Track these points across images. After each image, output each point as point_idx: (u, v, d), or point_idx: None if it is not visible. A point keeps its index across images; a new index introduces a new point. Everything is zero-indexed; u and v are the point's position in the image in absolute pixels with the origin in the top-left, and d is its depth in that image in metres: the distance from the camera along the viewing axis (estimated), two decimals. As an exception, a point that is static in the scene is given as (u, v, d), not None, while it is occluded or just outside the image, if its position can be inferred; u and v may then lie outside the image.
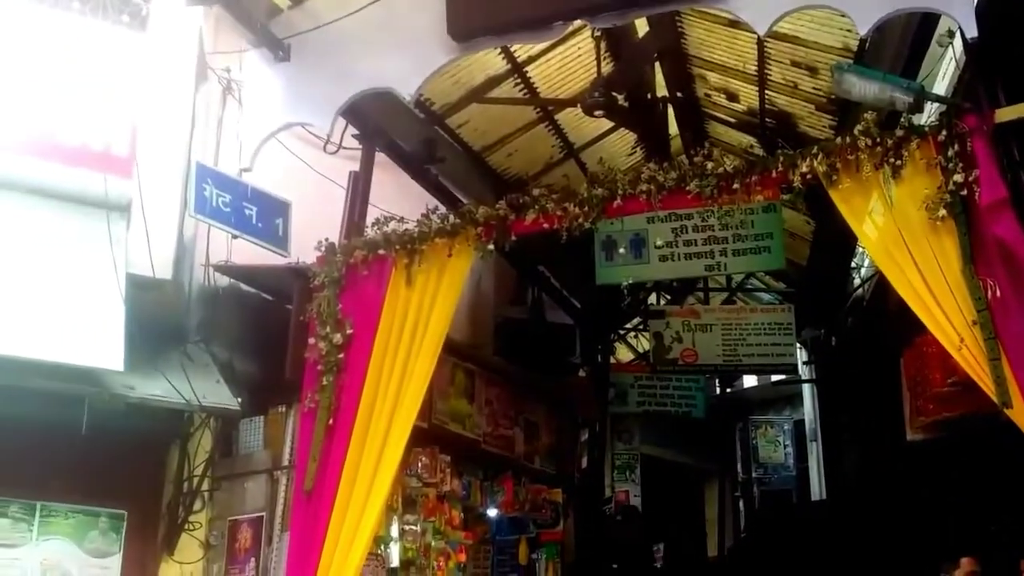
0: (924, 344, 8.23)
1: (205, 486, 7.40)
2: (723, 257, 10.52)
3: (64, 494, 7.00)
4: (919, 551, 7.42)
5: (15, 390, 6.28)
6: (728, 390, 17.16)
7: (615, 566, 12.77)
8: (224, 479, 7.55)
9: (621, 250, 10.60)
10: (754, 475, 17.05)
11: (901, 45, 7.26)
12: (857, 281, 12.38)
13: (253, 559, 7.25)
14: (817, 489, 15.52)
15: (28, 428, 6.61)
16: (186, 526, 7.31)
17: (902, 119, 5.93)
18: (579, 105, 8.90)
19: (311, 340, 7.02)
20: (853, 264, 12.26)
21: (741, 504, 16.91)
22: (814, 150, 6.03)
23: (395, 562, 8.12)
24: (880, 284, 9.86)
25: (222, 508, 7.50)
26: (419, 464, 8.56)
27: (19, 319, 6.20)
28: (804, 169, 6.01)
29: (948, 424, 8.40)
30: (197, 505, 7.35)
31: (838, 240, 10.45)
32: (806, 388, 16.07)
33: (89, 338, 6.31)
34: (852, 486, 12.65)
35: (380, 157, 8.34)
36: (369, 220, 7.47)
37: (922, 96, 5.91)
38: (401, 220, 7.10)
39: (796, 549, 11.65)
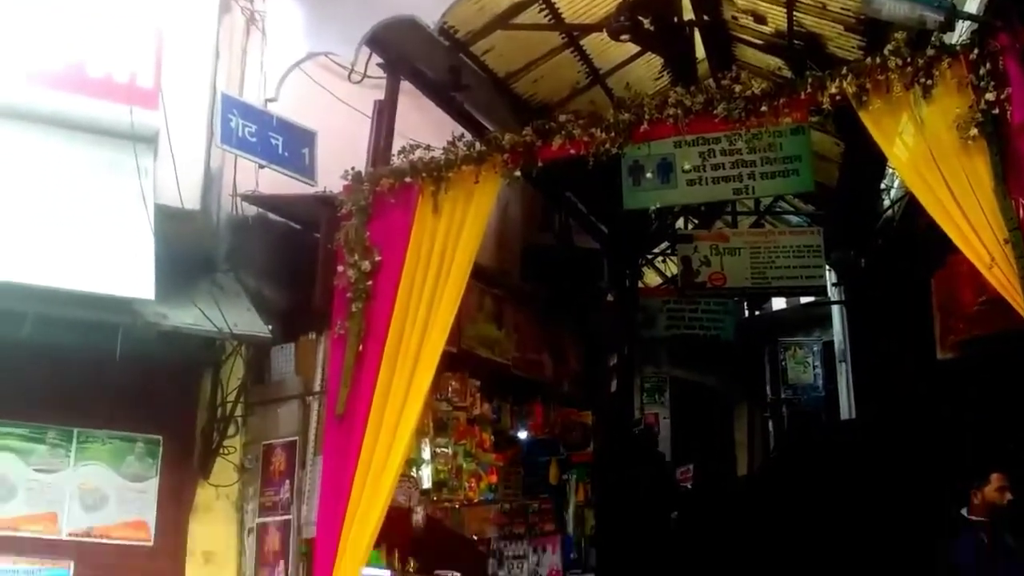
0: (954, 264, 8.14)
1: (238, 412, 7.45)
2: (751, 180, 10.38)
3: (100, 421, 7.10)
4: (947, 469, 7.40)
5: (50, 320, 6.35)
6: (757, 313, 17.09)
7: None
8: (257, 405, 7.61)
9: (648, 175, 10.47)
10: (783, 396, 17.04)
11: (932, -38, 7.08)
12: (887, 202, 12.23)
13: (287, 482, 7.32)
14: (846, 409, 15.50)
15: (63, 357, 6.68)
16: (220, 451, 7.38)
17: (933, 38, 5.77)
18: (604, 30, 8.77)
19: (340, 268, 7.03)
20: (883, 185, 12.10)
21: (770, 425, 16.92)
22: (843, 71, 5.90)
23: (427, 484, 8.20)
24: (910, 205, 9.75)
25: (255, 433, 7.57)
26: (449, 388, 8.62)
27: (51, 250, 6.24)
28: (833, 91, 5.89)
29: (978, 343, 8.33)
30: (231, 430, 7.42)
31: (868, 162, 10.32)
32: (835, 310, 15.98)
33: (120, 268, 6.35)
34: (881, 406, 12.62)
35: (405, 85, 8.27)
36: (395, 149, 7.42)
37: (953, 14, 5.75)
38: (427, 148, 7.04)
39: (825, 468, 11.63)
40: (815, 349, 17.10)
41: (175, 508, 7.27)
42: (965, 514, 6.60)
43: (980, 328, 8.21)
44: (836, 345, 16.11)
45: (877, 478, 10.51)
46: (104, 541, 7.01)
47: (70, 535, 6.94)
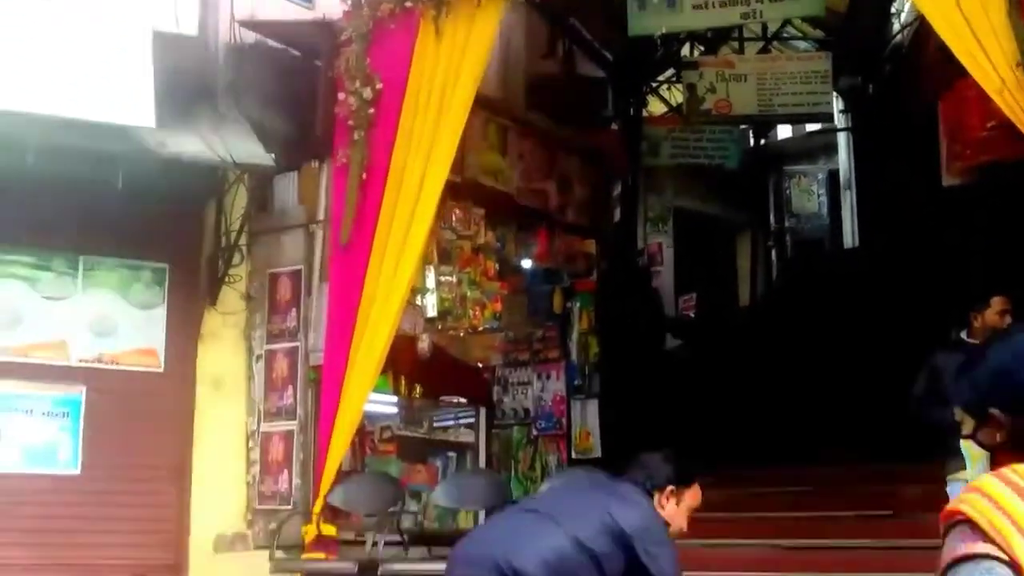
0: (963, 88, 8.04)
1: (243, 241, 7.52)
2: (759, 4, 10.16)
3: (106, 249, 7.18)
4: (951, 296, 7.44)
5: (52, 148, 6.34)
6: (762, 142, 16.95)
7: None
8: (261, 234, 7.67)
9: (654, -1, 10.24)
10: (787, 225, 17.04)
11: None
12: (897, 27, 12.01)
13: (294, 310, 7.44)
14: (850, 238, 15.54)
15: (66, 186, 6.70)
16: (227, 279, 7.48)
17: None
18: None
19: (341, 96, 6.97)
20: (893, 9, 11.86)
21: (773, 254, 16.98)
22: None
23: (432, 312, 8.29)
24: (920, 30, 9.57)
25: (261, 262, 7.65)
26: (453, 217, 8.61)
27: (50, 77, 6.19)
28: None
29: (985, 169, 8.31)
30: (236, 259, 7.50)
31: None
32: (841, 138, 15.84)
33: (119, 95, 6.31)
34: (885, 233, 12.65)
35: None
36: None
37: None
38: (427, -30, 6.88)
39: (828, 296, 11.73)
40: (820, 178, 17.02)
41: (184, 335, 7.41)
42: (964, 337, 6.65)
43: (987, 153, 8.18)
44: (841, 173, 16.05)
45: (881, 306, 10.60)
46: (114, 367, 7.17)
47: (80, 361, 7.10)
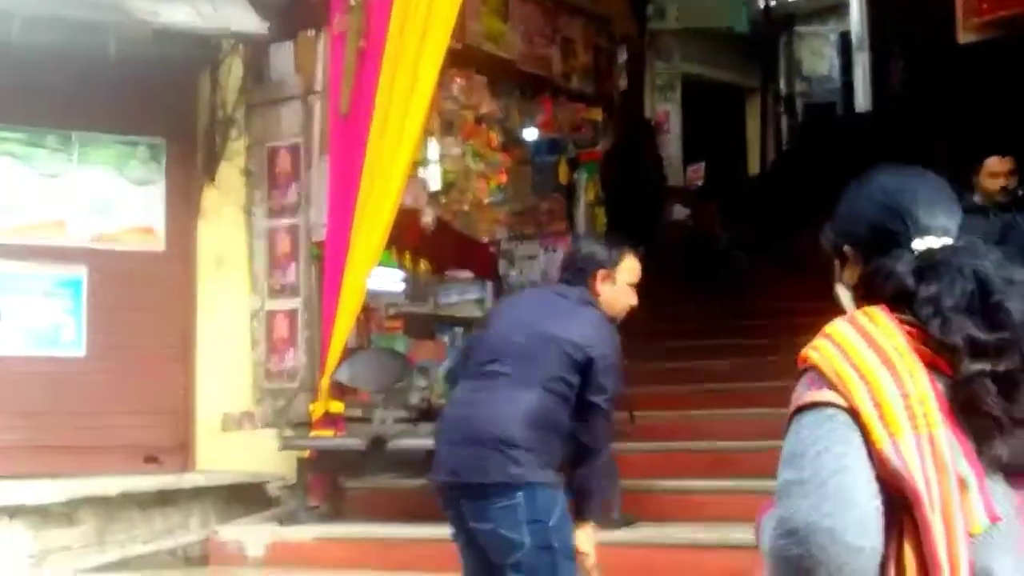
0: (981, -62, 7.83)
1: (239, 113, 7.40)
2: None
3: (100, 124, 7.07)
4: (964, 158, 7.35)
5: (40, 18, 6.20)
6: (772, 2, 16.63)
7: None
8: (258, 106, 7.53)
9: None
10: (797, 89, 16.82)
11: None
12: None
13: (294, 185, 7.36)
14: (862, 101, 15.35)
15: (56, 58, 6.57)
16: (224, 154, 7.38)
17: None
18: None
19: (335, -41, 6.80)
20: None
21: (784, 120, 16.81)
22: None
23: (436, 185, 8.22)
24: None
25: (258, 135, 7.53)
26: (454, 86, 8.48)
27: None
28: None
29: (1002, 24, 8.13)
30: (233, 133, 7.39)
31: None
32: (854, -4, 15.53)
33: (107, -37, 6.15)
34: (898, 95, 12.48)
35: None
36: None
37: None
38: None
39: (840, 161, 11.63)
40: (831, 39, 16.73)
41: (183, 213, 7.36)
42: (977, 200, 6.57)
43: (1005, 7, 8.00)
44: (854, 34, 15.75)
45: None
46: (115, 247, 7.15)
47: (80, 241, 7.06)
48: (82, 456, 6.83)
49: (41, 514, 6.20)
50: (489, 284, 9.07)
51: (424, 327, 8.70)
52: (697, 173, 14.60)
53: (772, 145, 16.39)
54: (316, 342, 7.22)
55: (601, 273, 4.15)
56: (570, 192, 10.25)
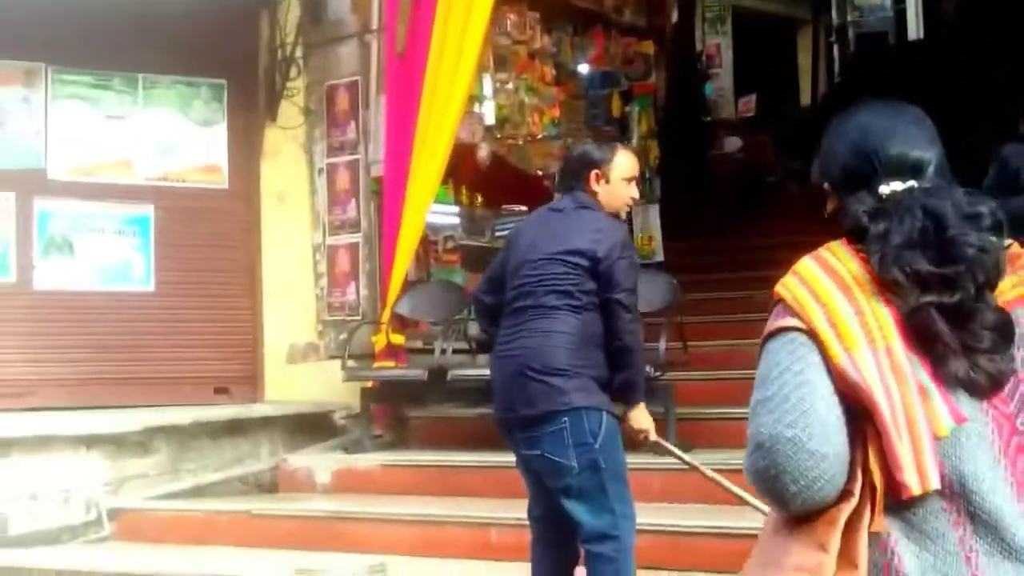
0: None
1: (298, 53, 7.43)
2: None
3: (164, 66, 7.15)
4: (1016, 89, 7.19)
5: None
6: (824, -69, 16.26)
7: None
8: (316, 45, 7.56)
9: None
10: (849, 19, 16.46)
11: None
12: None
13: (352, 122, 7.39)
14: (915, 30, 15.03)
15: (120, 2, 6.63)
16: (284, 93, 7.42)
17: None
18: None
19: (390, -103, 6.75)
20: None
21: (835, 50, 16.50)
22: None
23: (490, 120, 8.22)
24: None
25: (318, 74, 7.56)
26: (508, 22, 8.47)
27: None
28: None
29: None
30: (292, 72, 7.43)
31: None
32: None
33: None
34: (951, 23, 12.21)
35: None
36: None
37: None
38: None
39: (893, 91, 11.45)
40: (885, -33, 16.35)
41: (246, 151, 7.44)
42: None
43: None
44: (907, -39, 15.39)
45: (949, 100, 10.34)
46: (180, 185, 7.25)
47: (147, 180, 7.18)
48: (154, 388, 6.99)
49: (117, 443, 6.37)
50: None
51: (481, 259, 8.67)
52: (748, 105, 14.44)
53: (824, 76, 16.12)
54: (376, 276, 7.30)
55: (595, 173, 4.12)
56: (623, 125, 10.19)
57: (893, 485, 1.64)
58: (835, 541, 1.67)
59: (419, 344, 7.39)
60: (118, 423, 6.38)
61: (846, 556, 1.67)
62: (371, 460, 6.60)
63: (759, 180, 11.96)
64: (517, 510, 5.27)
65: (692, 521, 5.01)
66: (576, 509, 3.90)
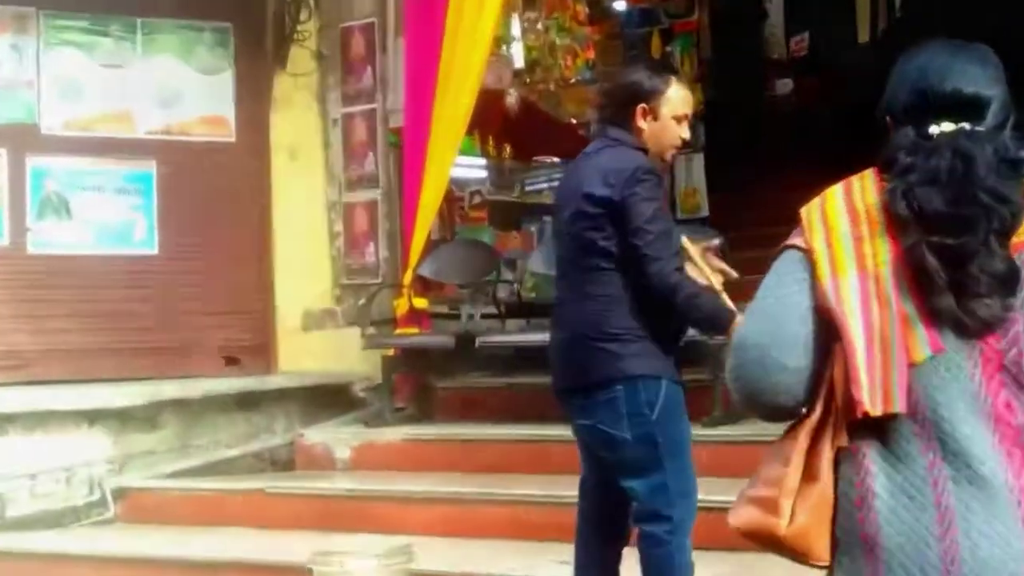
0: None
1: (308, -8, 7.40)
2: None
3: (164, 9, 7.14)
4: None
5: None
6: None
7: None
8: (327, -16, 7.52)
9: None
10: (912, -51, 16.27)
11: None
12: None
13: (369, 68, 7.36)
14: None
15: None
16: (295, 36, 7.40)
17: None
18: None
19: None
20: None
21: (896, -17, 16.29)
22: None
23: (519, 63, 8.17)
24: None
25: (330, 15, 7.51)
26: (537, -44, 8.41)
27: None
28: None
29: None
30: (303, 14, 7.40)
31: None
32: None
33: None
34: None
35: None
36: None
37: None
38: None
39: (958, 23, 11.31)
40: None
41: (254, 101, 7.42)
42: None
43: None
44: None
45: (1009, 32, 10.20)
46: (184, 139, 7.24)
47: (148, 134, 7.17)
48: (160, 358, 7.02)
49: (121, 419, 6.40)
50: None
51: (510, 216, 8.74)
52: (801, 45, 14.28)
53: (883, 13, 15.93)
54: (397, 235, 7.29)
55: (642, 108, 3.89)
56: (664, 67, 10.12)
57: (851, 402, 1.83)
58: (797, 456, 1.92)
59: (444, 309, 7.40)
60: (122, 396, 6.41)
61: (808, 470, 1.90)
62: (394, 434, 6.61)
63: (813, 124, 11.84)
64: (551, 487, 5.29)
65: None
66: (629, 485, 3.85)
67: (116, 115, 7.11)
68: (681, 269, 3.80)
